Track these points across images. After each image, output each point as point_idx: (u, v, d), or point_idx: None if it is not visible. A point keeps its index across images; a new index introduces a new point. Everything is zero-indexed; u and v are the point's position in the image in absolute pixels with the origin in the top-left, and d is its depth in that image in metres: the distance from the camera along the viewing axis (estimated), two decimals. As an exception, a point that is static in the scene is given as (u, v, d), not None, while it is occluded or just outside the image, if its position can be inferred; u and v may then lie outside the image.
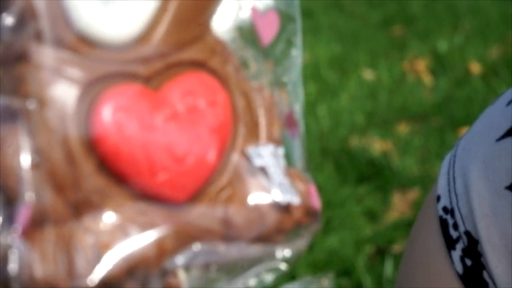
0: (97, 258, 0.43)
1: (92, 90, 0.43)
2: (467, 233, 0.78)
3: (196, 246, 0.45)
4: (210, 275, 0.47)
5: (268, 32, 0.50)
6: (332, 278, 0.48)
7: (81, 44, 0.43)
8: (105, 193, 0.43)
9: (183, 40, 0.46)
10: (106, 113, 0.43)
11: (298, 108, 0.51)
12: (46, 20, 0.42)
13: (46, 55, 0.43)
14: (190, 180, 0.45)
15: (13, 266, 0.42)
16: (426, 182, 2.90)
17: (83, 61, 0.43)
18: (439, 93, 3.73)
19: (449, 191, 0.80)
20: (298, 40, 0.52)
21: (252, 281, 0.48)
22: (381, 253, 2.56)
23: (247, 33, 0.50)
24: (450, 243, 0.79)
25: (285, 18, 0.51)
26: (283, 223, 0.47)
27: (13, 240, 0.42)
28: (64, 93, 0.43)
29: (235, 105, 0.47)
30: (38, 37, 0.42)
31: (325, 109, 3.62)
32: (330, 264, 2.48)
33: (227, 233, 0.46)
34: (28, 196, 0.42)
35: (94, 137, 0.43)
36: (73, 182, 0.43)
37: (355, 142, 3.30)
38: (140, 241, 0.44)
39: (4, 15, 0.42)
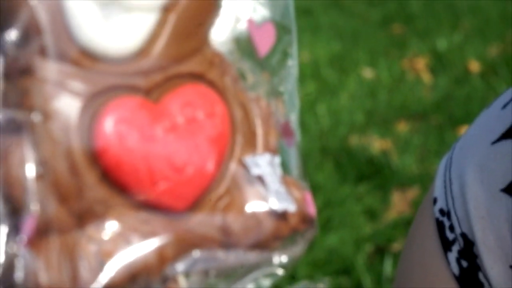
0: (100, 266, 0.44)
1: (94, 103, 0.45)
2: (463, 235, 0.79)
3: (196, 253, 0.46)
4: (209, 280, 0.47)
5: (264, 43, 0.51)
6: (328, 282, 0.49)
7: (84, 58, 0.44)
8: (107, 202, 0.44)
9: (182, 53, 0.47)
10: (108, 125, 0.44)
11: (294, 117, 0.52)
12: (50, 35, 0.43)
13: (50, 69, 0.44)
14: (189, 189, 0.46)
15: (19, 274, 0.43)
16: (426, 180, 2.89)
17: (86, 74, 0.44)
18: (438, 91, 3.73)
19: (445, 193, 0.81)
20: (294, 50, 0.52)
21: (250, 286, 0.49)
22: (380, 251, 2.55)
23: (244, 44, 0.50)
24: (446, 245, 0.80)
25: (281, 30, 0.52)
26: (280, 230, 0.48)
27: (19, 248, 0.43)
28: (68, 105, 0.44)
29: (233, 115, 0.48)
30: (42, 52, 0.43)
31: (325, 108, 3.61)
32: (329, 263, 2.48)
33: (225, 240, 0.47)
34: (33, 206, 0.43)
35: (96, 148, 0.44)
36: (76, 193, 0.44)
37: (354, 141, 3.29)
38: (141, 249, 0.45)
39: (9, 31, 0.43)
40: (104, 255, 0.44)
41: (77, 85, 0.44)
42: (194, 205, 0.47)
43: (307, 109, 3.52)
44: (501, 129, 0.78)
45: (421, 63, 4.00)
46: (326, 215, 2.70)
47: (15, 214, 0.43)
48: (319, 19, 4.71)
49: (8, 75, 0.44)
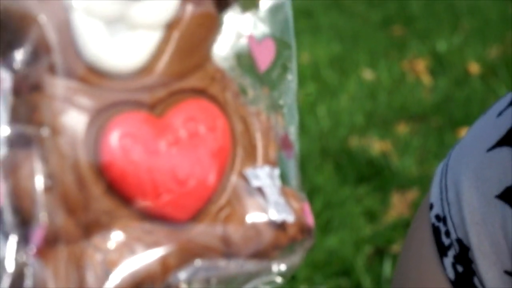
0: (106, 275, 0.45)
1: (101, 118, 0.46)
2: (459, 240, 0.79)
3: (198, 262, 0.47)
4: (211, 288, 0.49)
5: (264, 58, 0.52)
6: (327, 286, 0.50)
7: (90, 74, 0.46)
8: (113, 214, 0.46)
9: (185, 69, 0.48)
10: (114, 139, 0.45)
11: (293, 130, 0.53)
12: (58, 53, 0.44)
13: (58, 85, 0.45)
14: (191, 201, 0.47)
15: (28, 283, 0.44)
16: (425, 182, 2.89)
17: (92, 90, 0.45)
18: (438, 93, 3.73)
19: (441, 199, 0.81)
20: (293, 65, 0.54)
21: (250, 294, 0.50)
22: (380, 253, 2.56)
23: (245, 60, 0.52)
24: (442, 250, 0.81)
25: (281, 45, 0.53)
26: (279, 240, 0.49)
27: (28, 258, 0.44)
28: (75, 121, 0.45)
29: (234, 129, 0.49)
30: (51, 69, 0.45)
31: (325, 109, 3.61)
32: (329, 264, 2.48)
33: (226, 249, 0.48)
34: (42, 217, 0.44)
35: (102, 162, 0.45)
36: (83, 204, 0.45)
37: (354, 142, 3.30)
38: (145, 258, 0.46)
39: (20, 49, 0.45)
40: (110, 264, 0.45)
41: (84, 101, 0.45)
42: (196, 216, 0.48)
43: (307, 110, 3.53)
44: (496, 136, 0.79)
45: (421, 65, 4.00)
46: (326, 216, 2.70)
47: (24, 225, 0.44)
48: (319, 20, 4.71)
49: (18, 92, 0.45)
